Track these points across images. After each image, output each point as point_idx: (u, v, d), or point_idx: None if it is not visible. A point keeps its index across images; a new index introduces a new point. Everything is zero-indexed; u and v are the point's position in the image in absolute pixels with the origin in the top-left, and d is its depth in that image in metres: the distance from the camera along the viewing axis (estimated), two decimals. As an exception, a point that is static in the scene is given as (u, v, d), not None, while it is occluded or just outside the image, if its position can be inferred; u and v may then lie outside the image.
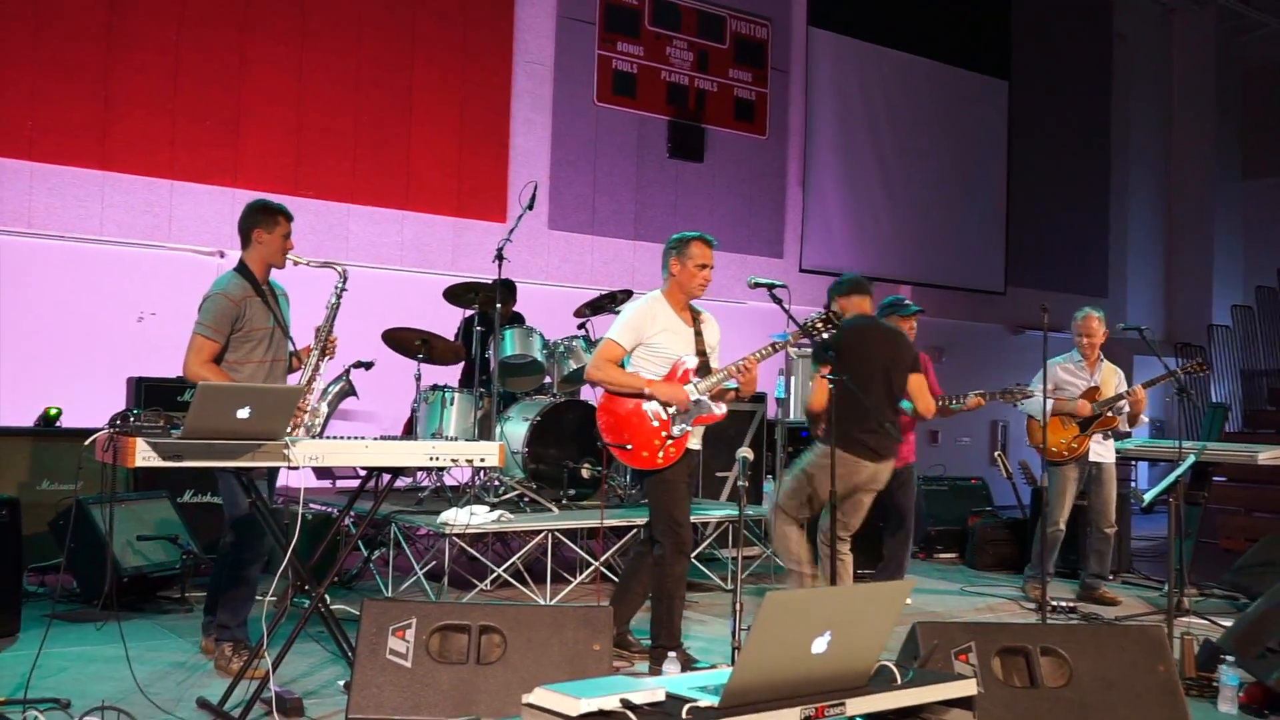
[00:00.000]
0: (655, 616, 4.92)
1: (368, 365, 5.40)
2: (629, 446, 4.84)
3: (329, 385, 4.98)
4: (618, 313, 7.60)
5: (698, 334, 5.02)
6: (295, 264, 4.85)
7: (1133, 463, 13.62)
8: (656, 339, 4.92)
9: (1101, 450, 7.08)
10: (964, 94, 13.00)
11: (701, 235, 5.03)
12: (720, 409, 4.96)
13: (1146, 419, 7.24)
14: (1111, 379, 7.12)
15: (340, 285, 4.83)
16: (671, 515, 4.84)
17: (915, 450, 6.72)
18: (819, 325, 4.96)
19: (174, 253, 8.22)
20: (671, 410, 4.86)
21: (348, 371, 5.20)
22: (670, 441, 4.85)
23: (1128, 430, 7.24)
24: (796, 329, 4.94)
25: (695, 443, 4.99)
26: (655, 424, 4.85)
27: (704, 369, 4.97)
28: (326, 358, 4.83)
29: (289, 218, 4.89)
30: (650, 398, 4.85)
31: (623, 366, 4.96)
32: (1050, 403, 6.89)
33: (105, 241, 8.00)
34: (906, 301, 6.70)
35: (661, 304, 5.00)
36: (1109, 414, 6.99)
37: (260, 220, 4.84)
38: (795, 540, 5.63)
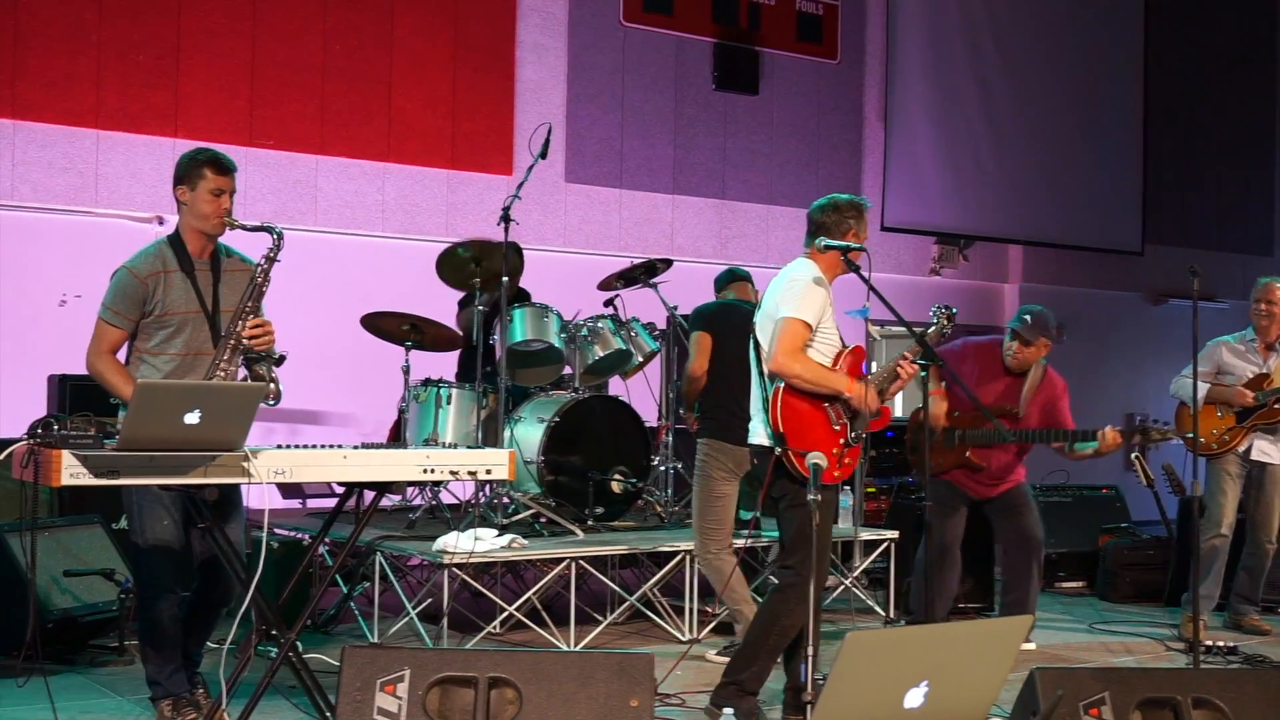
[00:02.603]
0: (751, 649, 4.97)
1: (278, 359, 5.16)
2: None
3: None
4: (653, 287, 7.67)
5: None
6: (231, 227, 4.75)
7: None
8: (827, 324, 4.93)
9: (1269, 448, 7.12)
10: (1090, 2, 12.87)
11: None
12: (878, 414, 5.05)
13: None
14: None
15: (271, 252, 4.73)
16: (822, 546, 4.81)
17: (1025, 470, 6.80)
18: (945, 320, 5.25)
19: (102, 219, 8.30)
20: (851, 414, 4.90)
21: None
22: (846, 450, 4.89)
23: None
24: (920, 341, 5.06)
25: None
26: (836, 428, 4.87)
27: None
28: (243, 349, 4.67)
29: (221, 169, 4.74)
30: (844, 399, 4.85)
31: None
32: (1205, 387, 6.90)
33: (16, 207, 8.09)
34: (1027, 317, 6.52)
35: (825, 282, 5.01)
36: (1277, 405, 7.00)
37: (182, 174, 4.76)
38: (731, 571, 5.97)
